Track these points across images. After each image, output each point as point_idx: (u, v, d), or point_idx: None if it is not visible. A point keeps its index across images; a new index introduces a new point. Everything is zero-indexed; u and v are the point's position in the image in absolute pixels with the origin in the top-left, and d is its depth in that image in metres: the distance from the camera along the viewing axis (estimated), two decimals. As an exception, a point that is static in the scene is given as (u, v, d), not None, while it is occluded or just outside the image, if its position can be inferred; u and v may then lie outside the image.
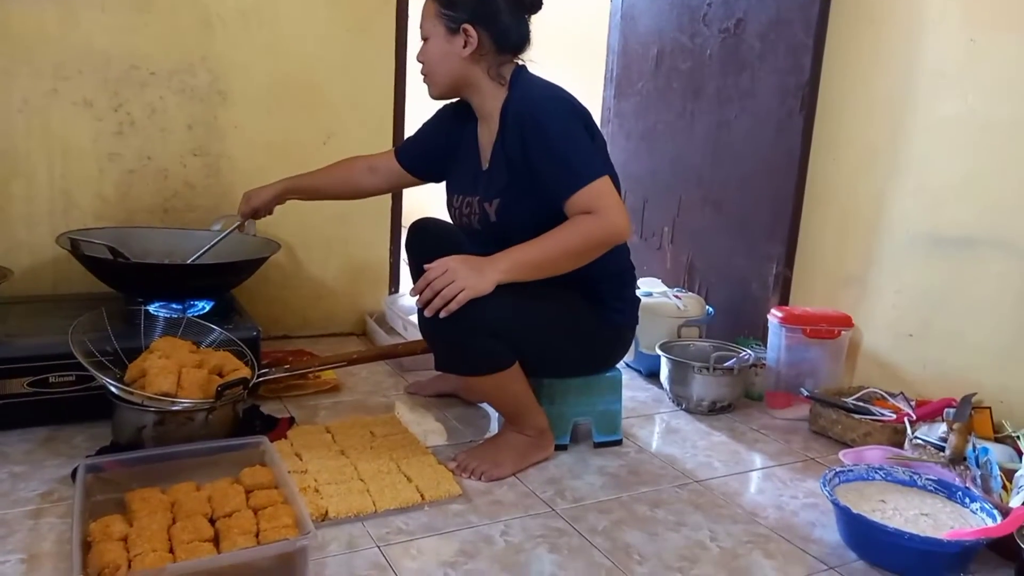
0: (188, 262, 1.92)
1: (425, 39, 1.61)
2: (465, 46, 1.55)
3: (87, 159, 2.09)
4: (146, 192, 2.17)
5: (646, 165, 2.80)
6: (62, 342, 1.50)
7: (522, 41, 1.61)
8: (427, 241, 1.82)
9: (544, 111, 1.51)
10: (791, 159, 2.24)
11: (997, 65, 1.81)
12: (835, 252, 2.20)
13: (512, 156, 1.55)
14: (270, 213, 1.94)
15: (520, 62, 1.63)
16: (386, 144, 2.45)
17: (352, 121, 2.40)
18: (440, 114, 1.83)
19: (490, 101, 1.61)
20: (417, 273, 1.73)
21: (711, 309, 2.38)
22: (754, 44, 2.34)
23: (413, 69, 2.51)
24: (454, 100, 1.75)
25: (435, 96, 1.67)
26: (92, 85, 2.06)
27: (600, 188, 1.47)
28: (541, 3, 1.60)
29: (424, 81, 1.65)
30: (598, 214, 1.45)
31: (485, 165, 1.65)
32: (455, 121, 1.77)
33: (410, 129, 2.55)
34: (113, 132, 2.11)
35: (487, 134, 1.65)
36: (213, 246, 1.95)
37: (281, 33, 2.25)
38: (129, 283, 1.88)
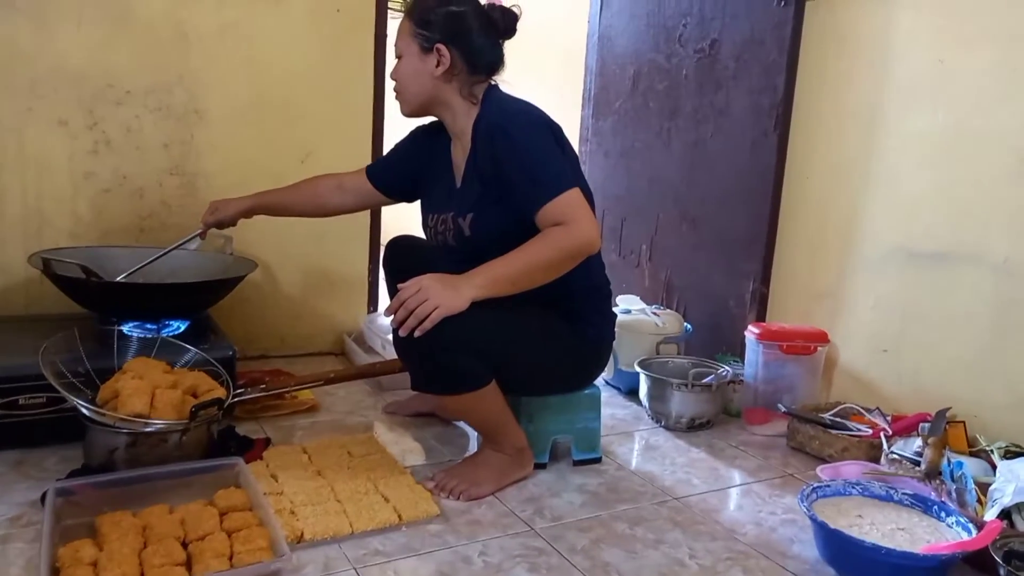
0: (119, 279, 1.88)
1: (399, 57, 1.63)
2: (438, 65, 1.57)
3: (61, 178, 2.07)
4: (121, 211, 2.15)
5: (624, 184, 2.82)
6: (32, 363, 1.47)
7: (495, 63, 1.63)
8: (405, 258, 1.83)
9: (515, 124, 1.53)
10: (766, 177, 2.26)
11: (965, 81, 1.85)
12: (810, 268, 2.23)
13: (484, 170, 1.56)
14: (233, 225, 1.95)
15: (493, 81, 1.65)
16: (364, 160, 2.45)
17: (331, 139, 2.40)
18: (413, 134, 1.84)
19: (462, 119, 1.62)
20: (394, 291, 1.73)
21: (689, 326, 2.40)
22: (729, 64, 2.37)
23: (392, 87, 2.53)
24: (428, 122, 1.77)
25: (406, 113, 1.68)
26: (67, 104, 2.04)
27: (570, 200, 1.47)
28: (515, 29, 1.62)
29: (396, 98, 1.67)
30: (568, 225, 1.46)
31: (459, 183, 1.66)
32: (428, 141, 1.78)
33: (388, 146, 2.57)
34: (88, 151, 2.09)
35: (460, 152, 1.66)
36: (162, 256, 1.95)
37: (259, 51, 2.25)
38: (102, 303, 1.86)
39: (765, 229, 2.28)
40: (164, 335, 1.79)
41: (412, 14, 1.60)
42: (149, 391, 1.46)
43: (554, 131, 1.57)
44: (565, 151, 1.58)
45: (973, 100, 1.83)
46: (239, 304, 2.25)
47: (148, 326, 1.84)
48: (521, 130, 1.52)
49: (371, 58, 2.42)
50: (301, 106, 2.34)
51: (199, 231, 1.94)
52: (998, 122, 1.79)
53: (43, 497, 1.33)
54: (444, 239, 1.68)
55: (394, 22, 3.93)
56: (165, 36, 2.12)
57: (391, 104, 2.54)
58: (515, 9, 1.62)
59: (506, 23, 1.61)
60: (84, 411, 1.44)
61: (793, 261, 2.27)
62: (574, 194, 1.48)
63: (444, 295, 1.40)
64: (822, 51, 2.17)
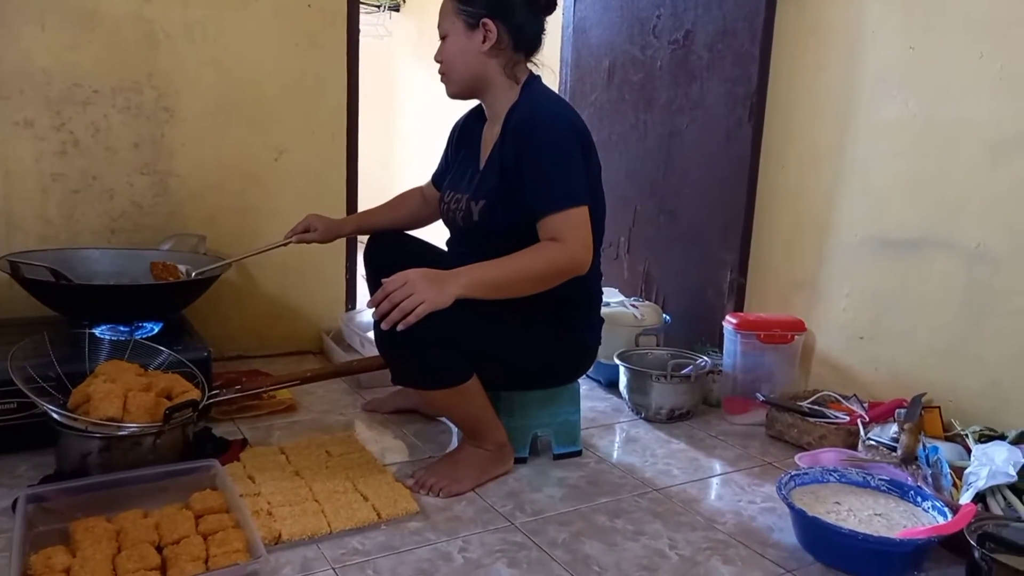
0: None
1: (443, 37, 1.62)
2: (484, 41, 1.57)
3: (29, 180, 2.04)
4: (91, 213, 2.12)
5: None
6: (1, 368, 1.45)
7: (537, 39, 1.64)
8: (386, 253, 1.82)
9: (545, 126, 1.53)
10: (741, 167, 2.27)
11: (935, 70, 1.86)
12: (787, 257, 2.24)
13: (506, 160, 1.57)
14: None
15: (533, 67, 1.66)
16: (339, 158, 2.44)
17: (305, 136, 2.38)
18: (452, 130, 1.85)
19: (501, 100, 1.63)
20: (375, 285, 1.72)
21: (668, 317, 2.40)
22: (703, 55, 2.38)
23: (365, 82, 2.51)
24: (463, 116, 1.79)
25: (452, 94, 1.67)
26: (33, 104, 2.01)
27: (573, 217, 1.48)
28: (555, 4, 1.63)
29: (442, 80, 1.66)
30: (563, 243, 1.47)
31: (482, 164, 1.67)
32: (464, 126, 1.80)
33: (364, 142, 2.55)
34: (56, 152, 2.06)
35: (491, 134, 1.66)
36: (252, 255, 2.04)
37: (229, 48, 2.22)
38: (73, 306, 1.83)
39: (742, 219, 2.29)
40: (137, 337, 1.76)
41: None
42: (121, 394, 1.44)
43: (583, 141, 1.56)
44: (589, 163, 1.58)
45: (943, 88, 1.85)
46: (215, 304, 2.22)
47: (121, 328, 1.81)
48: (548, 134, 1.52)
49: (344, 54, 2.39)
50: (273, 103, 2.31)
51: (283, 242, 1.93)
52: (968, 109, 1.80)
53: (14, 504, 1.30)
54: (453, 216, 1.68)
55: (367, 16, 3.89)
56: (132, 35, 2.09)
57: (365, 100, 2.54)
58: None
59: None
60: (55, 416, 1.41)
61: (770, 251, 2.28)
62: (578, 212, 1.49)
63: (429, 290, 1.39)
64: (795, 41, 2.17)
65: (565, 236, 1.47)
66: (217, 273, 1.96)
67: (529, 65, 1.67)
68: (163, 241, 2.15)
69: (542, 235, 1.50)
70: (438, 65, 1.65)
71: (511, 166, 1.55)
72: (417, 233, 1.94)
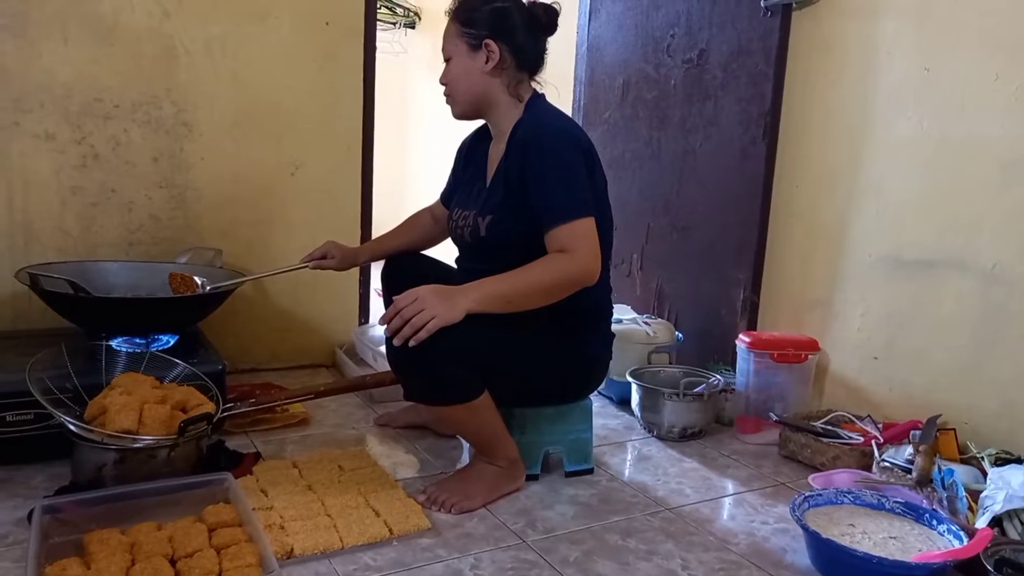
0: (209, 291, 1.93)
1: (448, 59, 1.65)
2: (487, 61, 1.60)
3: (48, 192, 2.06)
4: (110, 225, 2.14)
5: (614, 193, 2.78)
6: (19, 380, 1.46)
7: (539, 59, 1.67)
8: (403, 272, 1.83)
9: (549, 140, 1.55)
10: (755, 185, 2.27)
11: (949, 90, 1.86)
12: (800, 276, 2.23)
13: (511, 176, 1.58)
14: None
15: (537, 86, 1.68)
16: (355, 172, 2.46)
17: (321, 151, 2.40)
18: (459, 148, 1.87)
19: (505, 118, 1.65)
20: (390, 304, 1.73)
21: (680, 335, 2.40)
22: (717, 74, 2.38)
23: (381, 97, 2.54)
24: (469, 135, 1.81)
25: (457, 115, 1.70)
26: (54, 118, 2.04)
27: (580, 228, 1.49)
28: (556, 26, 1.66)
29: (447, 102, 1.69)
30: (571, 254, 1.48)
31: (488, 181, 1.69)
32: (470, 145, 1.82)
33: (379, 158, 2.57)
34: (76, 165, 2.08)
35: (496, 152, 1.68)
36: (268, 275, 2.12)
37: (247, 63, 2.25)
38: (90, 318, 1.84)
39: (755, 237, 2.29)
40: (153, 350, 1.77)
41: (457, 15, 1.63)
42: (137, 407, 1.45)
43: (587, 155, 1.58)
44: (594, 176, 1.59)
45: (958, 107, 1.84)
46: (230, 317, 2.24)
47: (137, 341, 1.83)
48: (553, 147, 1.54)
49: (360, 70, 2.42)
50: (290, 118, 2.34)
51: (300, 265, 1.96)
52: (983, 128, 1.80)
53: (30, 515, 1.31)
54: (461, 233, 1.70)
55: (384, 33, 3.94)
56: (152, 51, 2.12)
57: (381, 116, 2.56)
58: (555, 6, 1.66)
59: (548, 18, 1.65)
60: (71, 428, 1.42)
61: (783, 269, 2.28)
62: (585, 223, 1.50)
63: (440, 306, 1.40)
64: (809, 60, 2.18)
65: (573, 246, 1.48)
66: (232, 288, 1.98)
67: (533, 84, 1.69)
68: (180, 254, 2.17)
69: (550, 247, 1.51)
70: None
71: (516, 181, 1.57)
72: (433, 252, 1.95)
